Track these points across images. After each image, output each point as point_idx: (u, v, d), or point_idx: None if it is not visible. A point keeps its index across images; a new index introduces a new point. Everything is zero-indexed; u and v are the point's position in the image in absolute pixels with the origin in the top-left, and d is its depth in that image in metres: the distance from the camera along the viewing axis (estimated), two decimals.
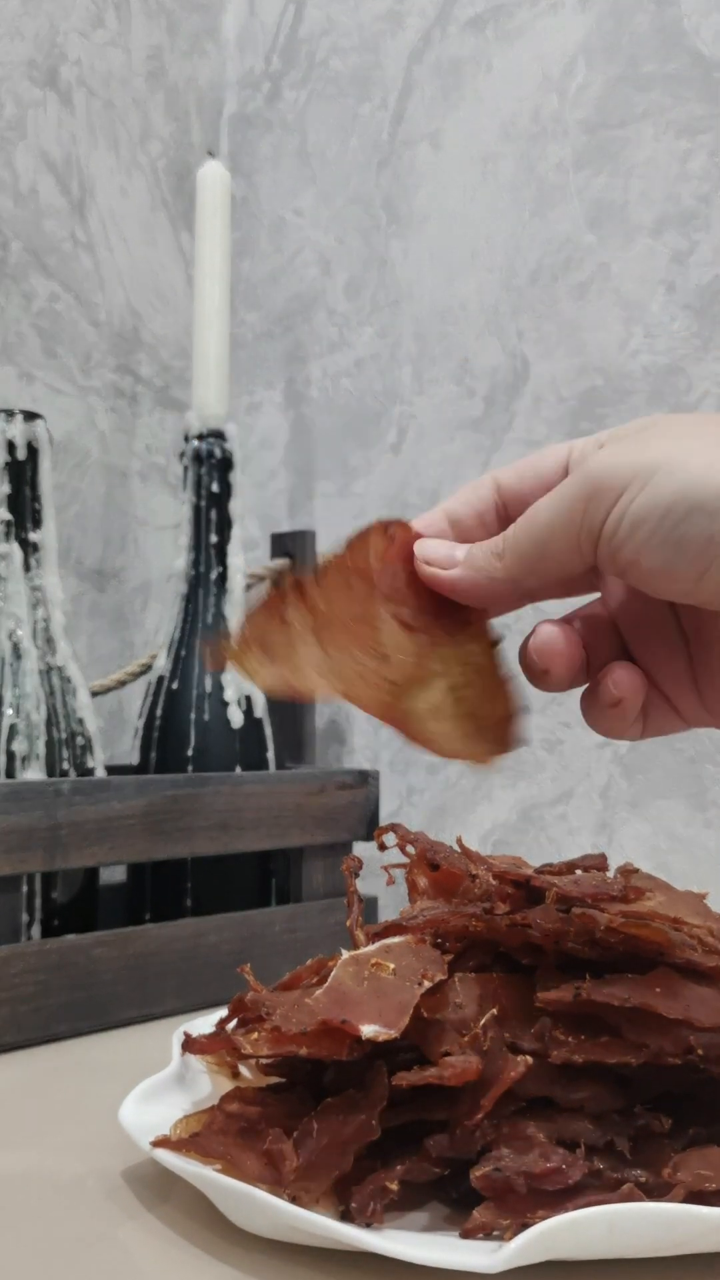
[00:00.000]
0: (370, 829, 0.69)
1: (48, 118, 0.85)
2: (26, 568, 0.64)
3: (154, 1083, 0.40)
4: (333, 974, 0.37)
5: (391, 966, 0.37)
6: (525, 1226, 0.30)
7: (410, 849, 0.45)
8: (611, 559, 0.31)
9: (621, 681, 0.35)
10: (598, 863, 0.46)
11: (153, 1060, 0.46)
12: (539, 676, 0.36)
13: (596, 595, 0.38)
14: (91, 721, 0.65)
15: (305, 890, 0.67)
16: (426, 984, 0.37)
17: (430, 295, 0.83)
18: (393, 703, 0.35)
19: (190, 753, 0.69)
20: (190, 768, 0.69)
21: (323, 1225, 0.30)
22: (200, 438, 0.73)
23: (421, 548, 0.36)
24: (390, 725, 0.35)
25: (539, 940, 0.38)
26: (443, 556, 0.35)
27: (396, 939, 0.40)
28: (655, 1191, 0.32)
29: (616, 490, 0.30)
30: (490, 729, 0.36)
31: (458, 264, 0.81)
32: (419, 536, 0.36)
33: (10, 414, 0.64)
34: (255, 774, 0.64)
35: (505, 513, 0.37)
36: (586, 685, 0.37)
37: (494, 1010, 0.36)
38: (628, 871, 0.45)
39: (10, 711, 0.60)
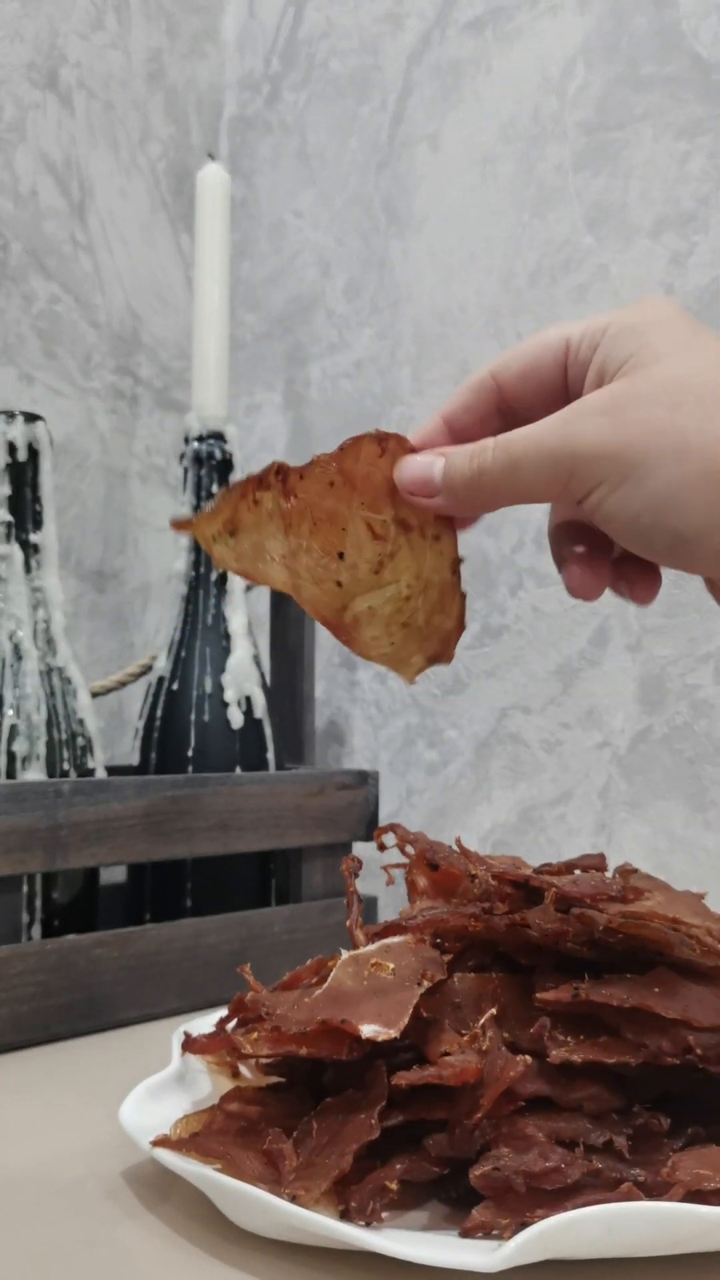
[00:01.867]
0: (370, 829, 0.69)
1: (47, 119, 0.85)
2: (27, 569, 0.64)
3: (154, 1083, 0.40)
4: (332, 974, 0.37)
5: (391, 966, 0.37)
6: (524, 1226, 0.30)
7: (410, 849, 0.45)
8: (594, 523, 0.34)
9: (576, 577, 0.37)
10: (597, 863, 0.46)
11: (153, 1060, 0.46)
12: (562, 568, 0.38)
13: None
14: (92, 722, 0.65)
15: (305, 890, 0.67)
16: (426, 984, 0.37)
17: (429, 296, 0.83)
18: (336, 605, 0.36)
19: (190, 753, 0.69)
20: (190, 768, 0.69)
21: (322, 1225, 0.30)
22: (200, 439, 0.73)
23: (400, 472, 0.35)
24: (326, 626, 0.36)
25: (538, 940, 0.38)
26: (420, 482, 0.35)
27: (396, 939, 0.40)
28: (654, 1191, 0.32)
29: (595, 478, 0.32)
30: (426, 641, 0.37)
31: (457, 265, 0.81)
32: (413, 450, 0.36)
33: (10, 415, 0.64)
34: (255, 774, 0.64)
35: (508, 410, 0.37)
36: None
37: (493, 1010, 0.36)
38: (626, 872, 0.46)
39: (11, 712, 0.60)
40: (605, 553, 0.37)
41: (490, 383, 0.36)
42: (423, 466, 0.35)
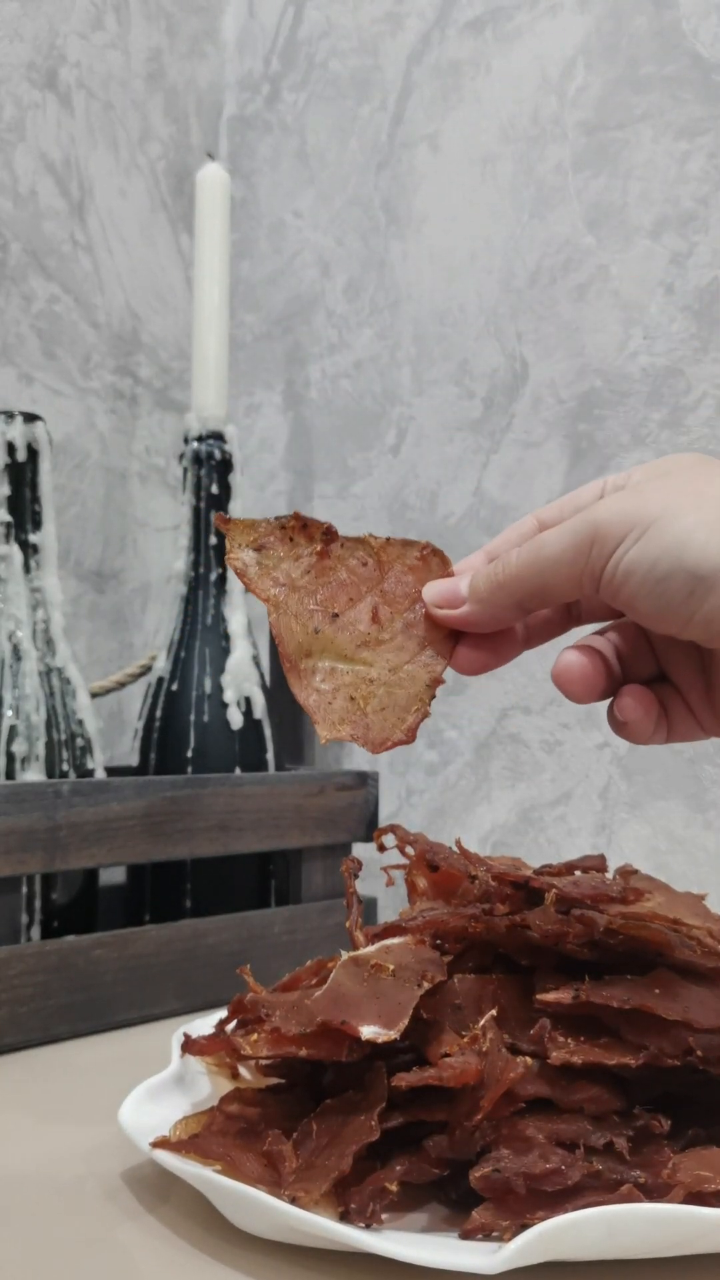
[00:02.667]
0: (369, 830, 0.69)
1: (47, 119, 0.85)
2: (26, 569, 0.64)
3: (154, 1084, 0.40)
4: (332, 975, 0.37)
5: (391, 968, 0.37)
6: (524, 1227, 0.30)
7: (409, 850, 0.45)
8: (613, 598, 0.34)
9: (626, 707, 0.37)
10: (597, 864, 0.46)
11: (152, 1061, 0.46)
12: (567, 694, 0.38)
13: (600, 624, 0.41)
14: (91, 723, 0.65)
15: (304, 891, 0.67)
16: (426, 985, 0.37)
17: (429, 297, 0.83)
18: (303, 646, 0.37)
19: (190, 754, 0.69)
20: (190, 769, 0.69)
21: (322, 1226, 0.30)
22: (200, 439, 0.73)
23: (427, 591, 0.37)
24: (280, 653, 0.37)
25: (538, 941, 0.38)
26: (447, 595, 0.37)
27: (396, 940, 0.40)
28: (654, 1192, 0.32)
29: (616, 538, 0.33)
30: (362, 723, 0.37)
31: (457, 265, 0.81)
32: (449, 575, 0.38)
33: (10, 416, 0.64)
34: (254, 775, 0.64)
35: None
36: (611, 699, 0.38)
37: (493, 1011, 0.36)
38: (627, 873, 0.46)
39: (10, 713, 0.60)
40: (609, 660, 0.38)
41: (534, 526, 0.38)
42: (451, 582, 0.37)
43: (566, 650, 0.38)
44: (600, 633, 0.39)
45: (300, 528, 0.36)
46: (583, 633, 0.40)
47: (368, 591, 0.37)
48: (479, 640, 0.38)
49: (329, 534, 0.36)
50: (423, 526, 0.82)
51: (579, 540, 0.34)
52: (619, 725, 0.38)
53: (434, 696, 0.37)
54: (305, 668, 0.37)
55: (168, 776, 0.60)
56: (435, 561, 0.37)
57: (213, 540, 0.73)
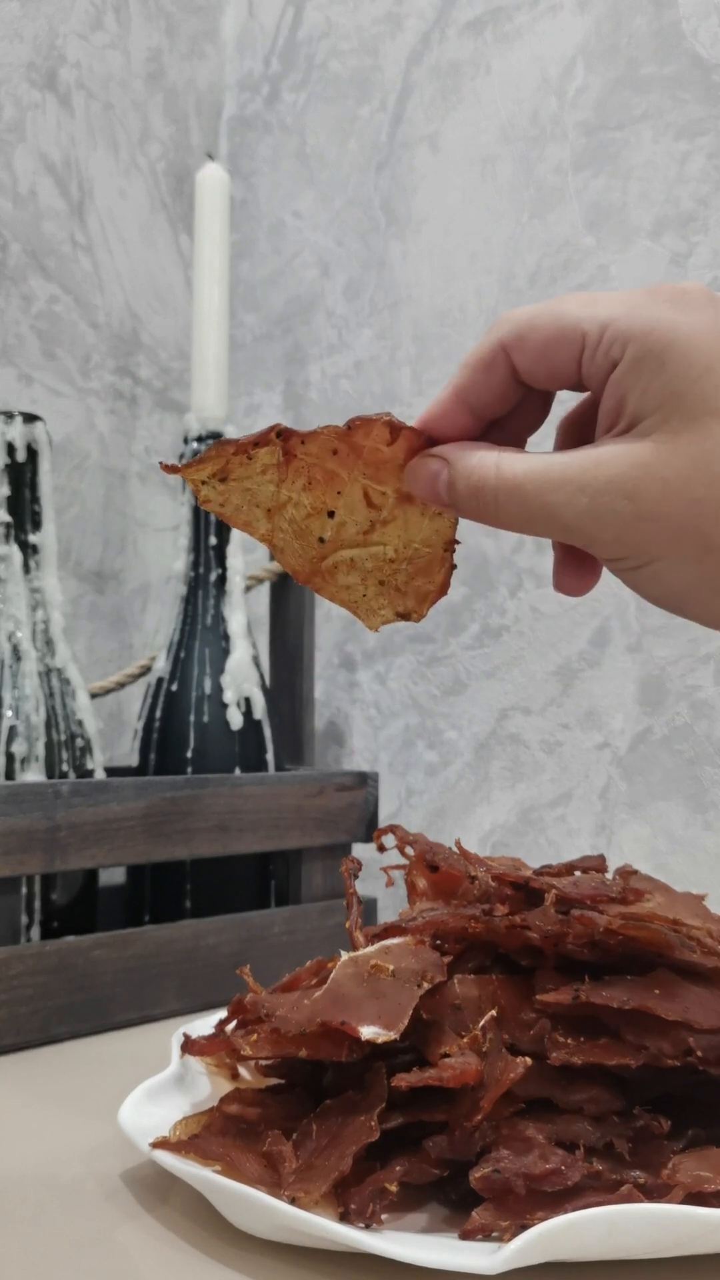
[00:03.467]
0: (369, 831, 0.69)
1: (47, 120, 0.85)
2: (26, 570, 0.64)
3: (153, 1084, 0.40)
4: (332, 975, 0.37)
5: (391, 968, 0.37)
6: (524, 1228, 0.30)
7: (409, 850, 0.45)
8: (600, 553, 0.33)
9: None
10: (597, 864, 0.46)
11: (152, 1062, 0.46)
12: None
13: None
14: (91, 723, 0.65)
15: (304, 892, 0.67)
16: (426, 985, 0.37)
17: (429, 297, 0.83)
18: (315, 561, 0.36)
19: (189, 754, 0.69)
20: (189, 770, 0.69)
21: (322, 1227, 0.30)
22: (199, 440, 0.73)
23: (411, 477, 0.34)
24: (294, 576, 0.36)
25: (538, 942, 0.38)
26: (429, 493, 0.34)
27: (396, 940, 0.40)
28: (654, 1193, 0.32)
29: (611, 558, 0.32)
30: (400, 597, 0.36)
31: (457, 266, 0.81)
32: (424, 446, 0.35)
33: (10, 416, 0.64)
34: (254, 775, 0.64)
35: (521, 382, 0.35)
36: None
37: (493, 1012, 0.36)
38: (627, 873, 0.46)
39: (10, 713, 0.60)
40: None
41: (502, 358, 0.34)
42: (429, 478, 0.34)
43: (557, 576, 0.37)
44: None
45: (253, 443, 0.34)
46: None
47: (350, 478, 0.34)
48: None
49: (283, 434, 0.34)
50: None
51: (570, 539, 0.32)
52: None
53: (454, 550, 0.36)
54: (326, 569, 0.36)
55: (167, 777, 0.60)
56: (407, 436, 0.34)
57: (212, 541, 0.73)
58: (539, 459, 0.32)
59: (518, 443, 0.36)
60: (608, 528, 0.31)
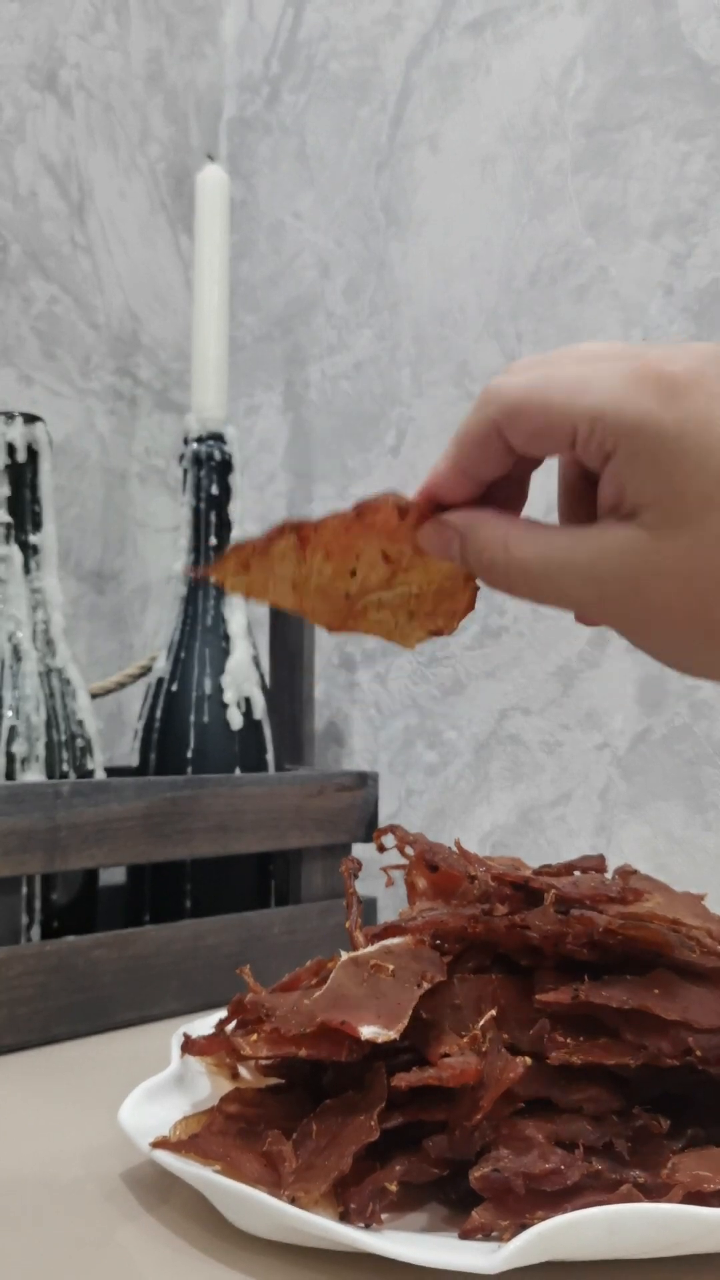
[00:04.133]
0: (369, 831, 0.69)
1: (47, 121, 0.85)
2: (26, 570, 0.64)
3: (153, 1084, 0.40)
4: (332, 975, 0.37)
5: (391, 968, 0.37)
6: (524, 1227, 0.30)
7: (409, 851, 0.45)
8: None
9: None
10: (596, 864, 0.46)
11: (152, 1062, 0.46)
12: None
13: None
14: (91, 723, 0.65)
15: (304, 892, 0.67)
16: (426, 985, 0.37)
17: (429, 298, 0.83)
18: (344, 613, 0.37)
19: (189, 755, 0.69)
20: (189, 770, 0.69)
21: (322, 1226, 0.30)
22: (199, 440, 0.73)
23: (422, 540, 0.35)
24: (330, 631, 0.37)
25: (538, 942, 0.38)
26: (439, 543, 0.35)
27: (396, 940, 0.40)
28: (654, 1192, 0.32)
29: (620, 630, 0.33)
30: (430, 619, 0.37)
31: (456, 266, 0.81)
32: (430, 516, 0.35)
33: (10, 416, 0.64)
34: (254, 776, 0.64)
35: (518, 456, 0.34)
36: None
37: (493, 1011, 0.36)
38: (626, 873, 0.46)
39: (10, 713, 0.60)
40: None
41: (495, 435, 0.33)
42: (444, 547, 0.35)
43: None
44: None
45: (265, 543, 0.35)
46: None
47: (366, 543, 0.36)
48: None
49: (295, 529, 0.35)
50: None
51: (570, 609, 0.33)
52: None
53: (475, 579, 0.37)
54: (356, 612, 0.37)
55: (167, 777, 0.60)
56: (414, 512, 0.35)
57: (213, 541, 0.73)
58: (544, 539, 0.32)
59: (521, 485, 0.36)
60: (614, 615, 0.32)
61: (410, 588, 0.36)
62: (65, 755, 0.63)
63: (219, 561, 0.36)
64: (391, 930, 0.41)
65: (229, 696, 0.70)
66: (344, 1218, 0.32)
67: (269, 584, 0.36)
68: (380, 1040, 0.34)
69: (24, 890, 0.57)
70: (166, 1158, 0.34)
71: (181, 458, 0.74)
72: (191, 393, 0.74)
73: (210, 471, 0.73)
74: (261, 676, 0.73)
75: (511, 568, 0.33)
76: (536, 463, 0.35)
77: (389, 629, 0.38)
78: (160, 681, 0.72)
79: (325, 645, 0.88)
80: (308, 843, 0.66)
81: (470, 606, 0.37)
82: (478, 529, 0.34)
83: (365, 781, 0.69)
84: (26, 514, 0.64)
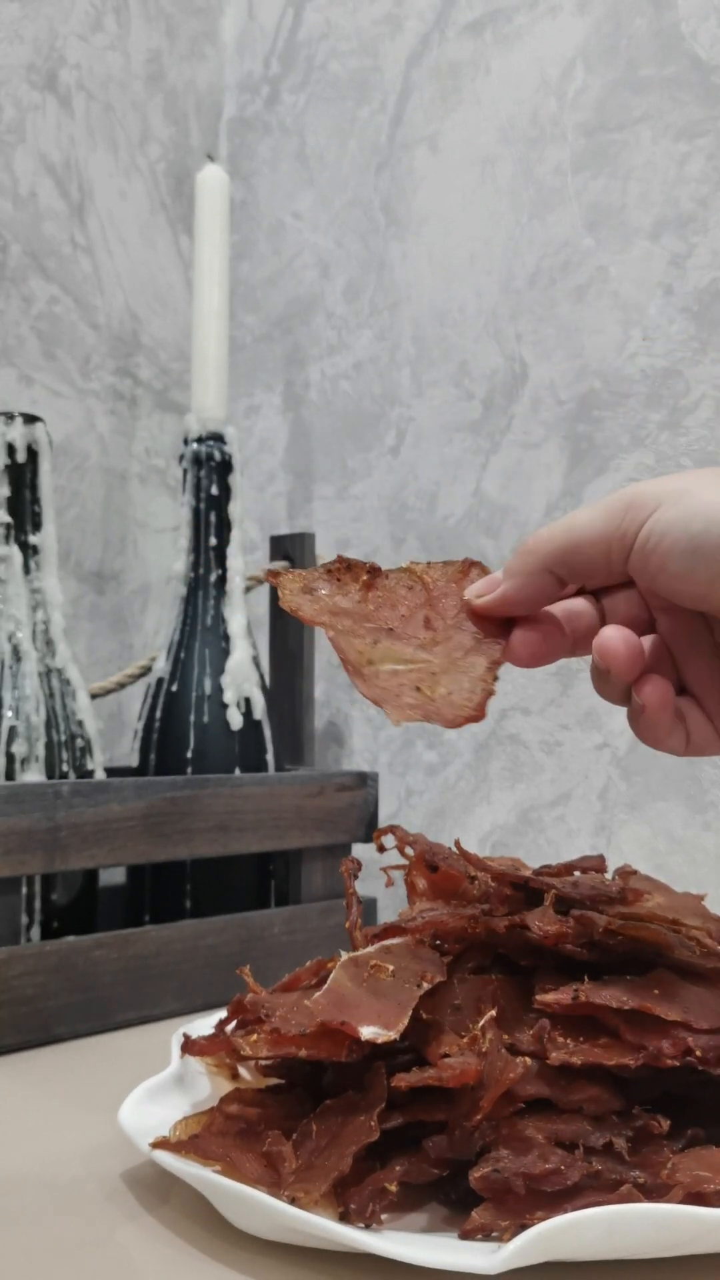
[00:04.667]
0: (369, 831, 0.69)
1: (47, 121, 0.85)
2: (26, 570, 0.64)
3: (153, 1084, 0.40)
4: (332, 975, 0.37)
5: (390, 968, 0.37)
6: (524, 1227, 0.30)
7: (409, 851, 0.45)
8: (642, 564, 0.35)
9: (647, 691, 0.37)
10: (596, 864, 0.46)
11: (152, 1062, 0.46)
12: (601, 676, 0.39)
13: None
14: (91, 724, 0.65)
15: (304, 892, 0.67)
16: (425, 986, 0.37)
17: (429, 298, 0.83)
18: (366, 655, 0.38)
19: (189, 755, 0.69)
20: (189, 770, 0.69)
21: (322, 1227, 0.30)
22: (199, 440, 0.73)
23: (469, 590, 0.38)
24: (345, 666, 0.38)
25: (538, 942, 0.38)
26: (486, 584, 0.38)
27: (395, 941, 0.40)
28: (654, 1192, 0.32)
29: (651, 505, 0.35)
30: (431, 705, 0.38)
31: (456, 267, 0.81)
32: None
33: (10, 417, 0.64)
34: (254, 776, 0.64)
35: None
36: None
37: (493, 1012, 0.36)
38: (626, 873, 0.46)
39: (10, 714, 0.60)
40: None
41: (546, 573, 0.37)
42: (489, 576, 0.39)
43: (608, 626, 0.38)
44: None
45: (345, 569, 0.38)
46: None
47: (418, 608, 0.38)
48: (528, 626, 0.38)
49: (373, 571, 0.38)
50: (422, 528, 0.82)
51: (611, 508, 0.35)
52: (634, 712, 0.38)
53: (496, 677, 0.37)
54: (370, 672, 0.38)
55: (167, 777, 0.60)
56: (476, 571, 0.39)
57: (212, 541, 0.73)
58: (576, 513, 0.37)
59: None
60: (645, 485, 0.35)
61: (432, 664, 0.38)
62: (65, 755, 0.63)
63: (293, 574, 0.38)
64: (391, 930, 0.41)
65: (229, 697, 0.70)
66: (344, 1218, 0.32)
67: (316, 605, 0.38)
68: (380, 1040, 0.34)
69: (24, 890, 0.57)
70: (166, 1158, 0.34)
71: (181, 458, 0.74)
72: (191, 393, 0.74)
73: (210, 471, 0.73)
74: (261, 677, 0.73)
75: (553, 525, 0.37)
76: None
77: (389, 696, 0.38)
78: (160, 682, 0.72)
79: (325, 646, 0.88)
80: (308, 843, 0.66)
81: (479, 712, 0.38)
82: (529, 542, 0.37)
83: (365, 781, 0.69)
84: (26, 514, 0.64)
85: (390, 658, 0.37)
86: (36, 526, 0.65)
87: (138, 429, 0.91)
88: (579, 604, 0.39)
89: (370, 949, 0.39)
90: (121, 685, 0.75)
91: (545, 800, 0.74)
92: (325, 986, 0.37)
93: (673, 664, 0.39)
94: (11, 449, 0.64)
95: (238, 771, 0.69)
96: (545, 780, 0.74)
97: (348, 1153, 0.33)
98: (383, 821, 0.81)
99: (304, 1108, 0.37)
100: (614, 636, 0.36)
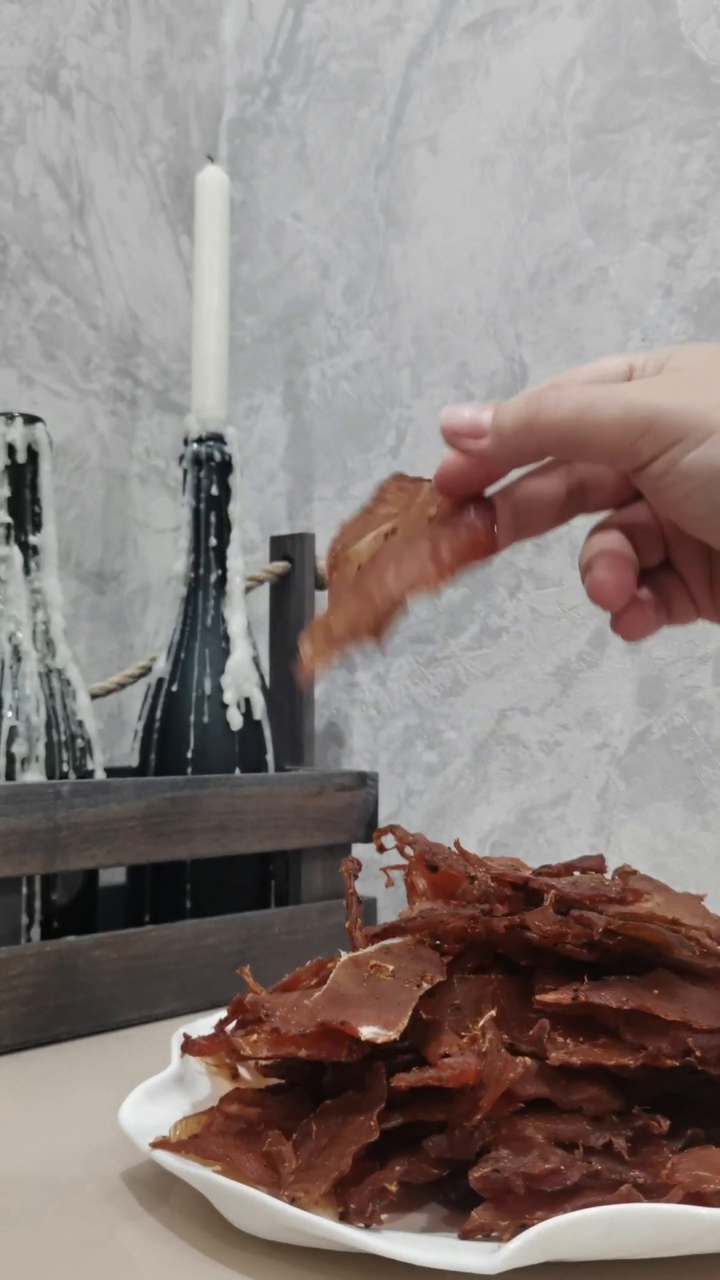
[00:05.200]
0: (369, 831, 0.69)
1: (47, 122, 0.85)
2: (26, 571, 0.64)
3: (153, 1084, 0.40)
4: (332, 975, 0.37)
5: (390, 968, 0.37)
6: (524, 1227, 0.30)
7: (409, 851, 0.45)
8: (655, 494, 0.33)
9: (628, 620, 0.37)
10: (596, 864, 0.46)
11: (152, 1062, 0.46)
12: (585, 575, 0.36)
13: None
14: (91, 724, 0.65)
15: (304, 892, 0.67)
16: (425, 985, 0.37)
17: (429, 298, 0.83)
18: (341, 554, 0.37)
19: (189, 755, 0.69)
20: (189, 770, 0.69)
21: (322, 1227, 0.30)
22: (199, 441, 0.73)
23: (449, 416, 0.35)
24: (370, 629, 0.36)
25: (537, 942, 0.38)
26: (469, 424, 0.34)
27: (395, 941, 0.40)
28: (653, 1192, 0.32)
29: (674, 435, 0.31)
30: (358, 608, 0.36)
31: (456, 267, 0.81)
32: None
33: (10, 417, 0.64)
34: (254, 776, 0.64)
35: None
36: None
37: (492, 1012, 0.36)
38: (626, 873, 0.46)
39: (10, 714, 0.60)
40: (634, 561, 0.37)
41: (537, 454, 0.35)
42: (474, 410, 0.34)
43: (597, 568, 0.36)
44: (606, 525, 0.37)
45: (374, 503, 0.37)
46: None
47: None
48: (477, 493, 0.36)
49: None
50: None
51: (632, 418, 0.31)
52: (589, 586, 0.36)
53: (449, 571, 0.36)
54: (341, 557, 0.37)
55: (167, 777, 0.60)
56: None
57: (212, 542, 0.73)
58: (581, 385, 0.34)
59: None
60: (672, 399, 0.31)
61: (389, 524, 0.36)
62: (65, 755, 0.63)
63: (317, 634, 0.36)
64: (391, 930, 0.41)
65: (229, 697, 0.70)
66: (344, 1218, 0.32)
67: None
68: (380, 1040, 0.34)
69: (24, 890, 0.57)
70: (166, 1158, 0.34)
71: (181, 458, 0.74)
72: (191, 393, 0.74)
73: (210, 472, 0.73)
74: (261, 677, 0.73)
75: (564, 398, 0.32)
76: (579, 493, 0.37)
77: (334, 606, 0.37)
78: (160, 682, 0.72)
79: None
80: (308, 843, 0.66)
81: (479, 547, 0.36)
82: (499, 411, 0.34)
83: (365, 781, 0.69)
84: (26, 515, 0.64)
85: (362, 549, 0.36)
86: (37, 527, 0.65)
87: (138, 429, 0.91)
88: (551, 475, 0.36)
89: (370, 949, 0.39)
90: (121, 685, 0.75)
91: (545, 800, 0.74)
92: (325, 986, 0.37)
93: (661, 540, 0.37)
94: (11, 449, 0.64)
95: (238, 771, 0.69)
96: (545, 780, 0.74)
97: (348, 1153, 0.33)
98: (383, 821, 0.81)
99: (304, 1108, 0.37)
100: (607, 581, 0.35)
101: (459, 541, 0.35)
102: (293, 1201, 0.31)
